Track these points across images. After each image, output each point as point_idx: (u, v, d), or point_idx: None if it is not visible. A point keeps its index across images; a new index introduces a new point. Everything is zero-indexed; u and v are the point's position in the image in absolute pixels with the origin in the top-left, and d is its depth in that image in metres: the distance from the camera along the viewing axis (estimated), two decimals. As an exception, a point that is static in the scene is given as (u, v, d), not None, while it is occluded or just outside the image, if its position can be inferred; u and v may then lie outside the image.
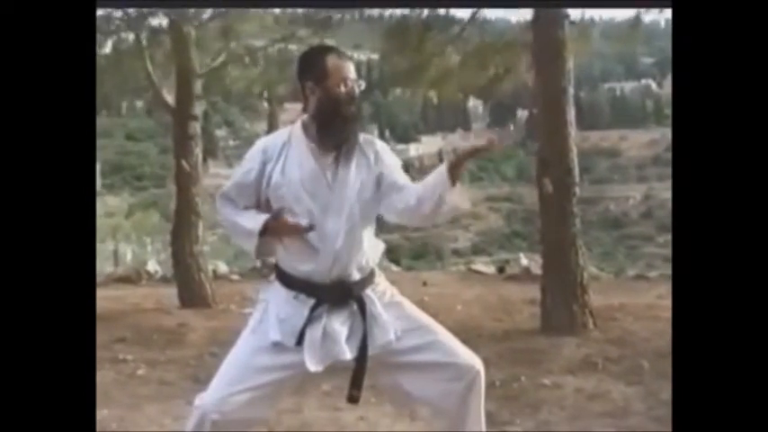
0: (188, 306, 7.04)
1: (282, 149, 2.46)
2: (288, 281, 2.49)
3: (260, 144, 2.54)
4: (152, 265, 9.70)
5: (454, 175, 2.34)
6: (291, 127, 2.54)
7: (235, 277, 9.06)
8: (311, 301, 2.44)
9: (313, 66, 2.45)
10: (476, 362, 2.51)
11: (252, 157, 2.50)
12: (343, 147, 2.44)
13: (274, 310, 2.47)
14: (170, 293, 7.34)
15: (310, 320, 2.42)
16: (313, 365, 2.41)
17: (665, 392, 4.16)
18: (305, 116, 2.51)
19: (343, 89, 2.42)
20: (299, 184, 2.42)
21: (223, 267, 9.54)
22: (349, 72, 2.45)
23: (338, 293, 2.46)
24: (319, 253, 2.42)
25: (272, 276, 2.56)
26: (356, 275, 2.48)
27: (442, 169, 2.36)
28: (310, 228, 2.40)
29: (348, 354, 2.44)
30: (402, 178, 2.52)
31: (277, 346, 2.42)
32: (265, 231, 2.43)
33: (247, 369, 2.42)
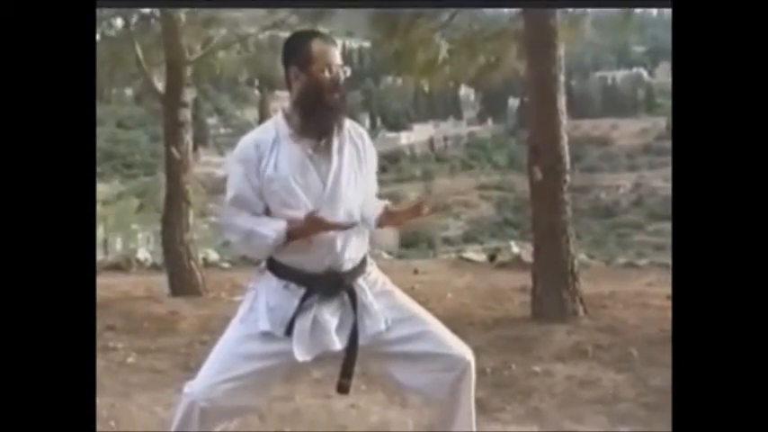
0: (178, 294, 7.03)
1: (274, 144, 2.38)
2: (279, 270, 2.45)
3: (249, 142, 2.43)
4: (142, 253, 9.67)
5: (381, 224, 2.39)
6: (274, 118, 2.47)
7: (225, 265, 9.04)
8: (301, 291, 2.41)
9: (297, 50, 2.40)
10: (466, 352, 2.50)
11: (247, 158, 2.40)
12: (329, 135, 2.39)
13: (264, 298, 2.44)
14: (160, 281, 7.33)
15: (300, 310, 2.40)
16: (301, 355, 2.39)
17: (655, 379, 4.19)
18: (286, 105, 2.46)
19: (327, 75, 2.36)
20: (290, 177, 2.36)
21: (214, 255, 9.52)
22: (334, 57, 2.39)
23: (329, 283, 2.43)
24: (313, 243, 2.38)
25: (263, 265, 2.53)
26: (348, 265, 2.45)
27: (372, 218, 2.42)
28: (352, 225, 2.37)
29: (338, 344, 2.42)
30: (370, 191, 2.55)
31: (266, 335, 2.40)
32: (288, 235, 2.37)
33: (236, 357, 2.41)
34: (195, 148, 8.90)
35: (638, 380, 4.24)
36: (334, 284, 2.43)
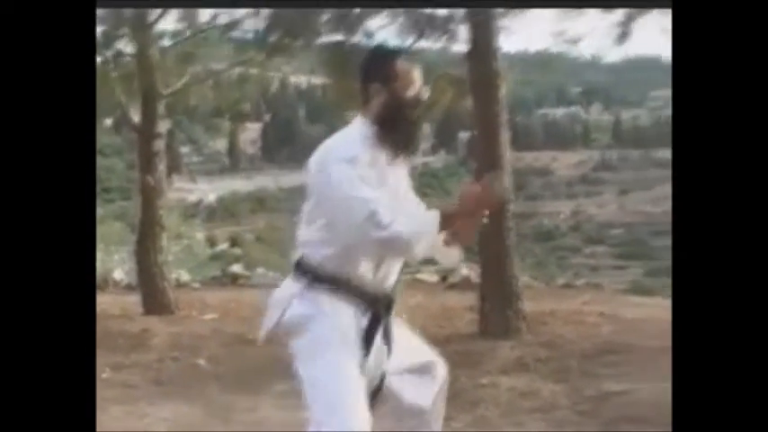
0: (151, 312, 6.93)
1: (371, 153, 2.16)
2: (351, 291, 2.18)
3: (356, 147, 2.14)
4: (118, 274, 9.50)
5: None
6: (358, 129, 2.23)
7: (196, 285, 8.94)
8: (368, 314, 2.19)
9: (382, 67, 2.24)
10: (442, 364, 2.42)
11: (362, 160, 2.11)
12: (410, 150, 2.26)
13: (337, 324, 2.16)
14: (134, 300, 7.22)
15: (370, 332, 2.18)
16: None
17: (588, 389, 4.26)
18: (363, 119, 2.25)
19: (411, 93, 2.22)
20: (387, 189, 2.16)
21: (185, 276, 9.42)
22: (418, 78, 2.25)
23: (387, 304, 2.25)
24: (381, 266, 2.20)
25: (298, 288, 2.20)
26: (392, 286, 2.28)
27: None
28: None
29: (387, 366, 2.22)
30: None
31: (354, 358, 2.18)
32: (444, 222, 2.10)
33: (349, 381, 2.14)
34: (169, 175, 8.83)
35: (573, 390, 4.29)
36: (389, 306, 2.25)
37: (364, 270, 2.18)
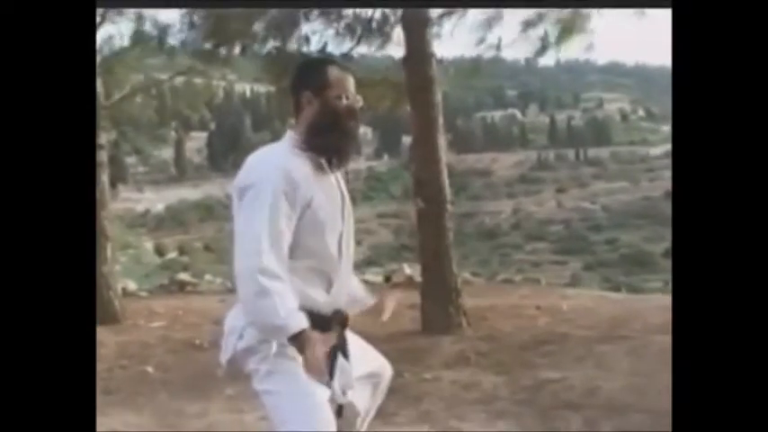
0: (98, 323, 6.79)
1: (302, 169, 2.02)
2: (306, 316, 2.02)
3: (274, 173, 1.98)
4: (63, 285, 9.28)
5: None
6: (286, 143, 2.10)
7: (143, 294, 8.80)
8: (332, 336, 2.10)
9: (313, 75, 2.13)
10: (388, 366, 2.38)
11: (277, 196, 1.95)
12: (345, 161, 2.14)
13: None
14: (81, 311, 7.06)
15: (334, 355, 2.06)
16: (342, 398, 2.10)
17: (526, 379, 4.37)
18: (293, 132, 2.12)
19: (344, 101, 2.10)
20: (328, 205, 2.06)
21: (132, 285, 9.27)
22: (351, 85, 2.13)
23: (341, 321, 2.14)
24: (334, 283, 2.11)
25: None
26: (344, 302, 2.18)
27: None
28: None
29: (354, 385, 2.12)
30: None
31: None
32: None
33: (311, 390, 2.02)
34: (114, 186, 8.68)
35: (512, 380, 4.39)
36: (343, 323, 2.16)
37: (316, 293, 2.07)
